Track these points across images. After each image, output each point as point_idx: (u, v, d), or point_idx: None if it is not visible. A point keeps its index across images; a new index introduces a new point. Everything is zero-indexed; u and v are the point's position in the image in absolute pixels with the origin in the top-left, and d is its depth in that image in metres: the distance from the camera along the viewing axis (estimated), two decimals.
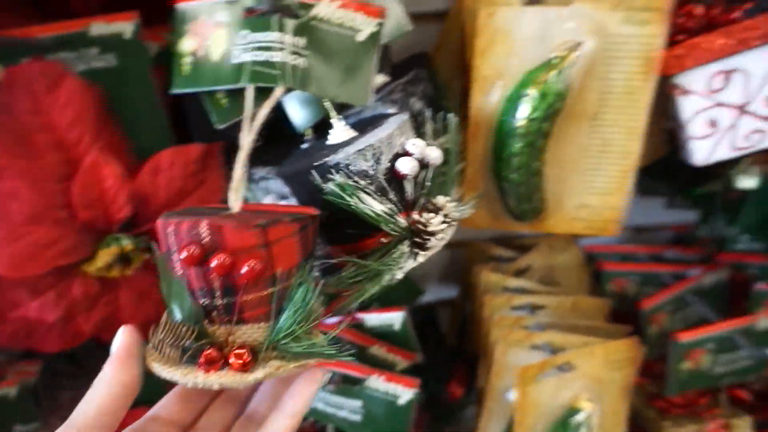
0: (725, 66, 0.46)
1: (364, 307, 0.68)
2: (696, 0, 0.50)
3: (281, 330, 0.33)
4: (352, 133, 0.43)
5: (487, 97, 0.48)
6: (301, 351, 0.32)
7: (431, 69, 0.52)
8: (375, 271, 0.37)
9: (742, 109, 0.47)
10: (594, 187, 0.50)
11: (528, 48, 0.46)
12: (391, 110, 0.48)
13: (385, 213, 0.37)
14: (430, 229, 0.38)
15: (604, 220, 0.52)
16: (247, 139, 0.38)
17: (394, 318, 0.62)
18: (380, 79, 0.51)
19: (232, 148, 0.51)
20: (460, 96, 0.52)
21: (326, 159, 0.37)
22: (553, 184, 0.51)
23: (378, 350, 0.62)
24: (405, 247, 0.38)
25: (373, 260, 0.38)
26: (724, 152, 0.48)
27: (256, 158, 0.51)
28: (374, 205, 0.36)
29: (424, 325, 0.85)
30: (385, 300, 0.68)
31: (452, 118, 0.43)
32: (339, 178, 0.37)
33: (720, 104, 0.47)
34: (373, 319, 0.63)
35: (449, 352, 0.80)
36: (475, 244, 0.79)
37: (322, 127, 0.48)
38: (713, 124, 0.48)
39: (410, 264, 0.38)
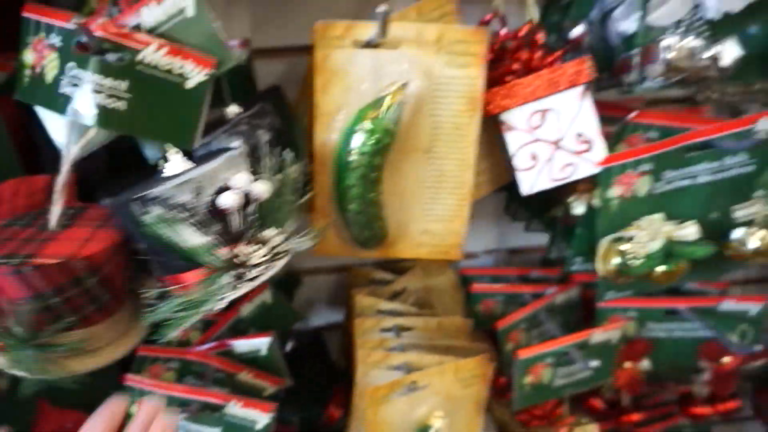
0: (541, 106, 0.52)
1: (240, 332, 0.69)
2: (524, 46, 0.56)
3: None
4: (189, 165, 0.44)
5: (329, 132, 0.51)
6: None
7: (282, 101, 0.55)
8: (195, 302, 0.39)
9: (556, 144, 0.52)
10: (435, 214, 0.54)
11: (363, 86, 0.49)
12: (236, 142, 0.50)
13: (204, 245, 0.38)
14: (251, 262, 0.40)
15: (447, 244, 0.55)
16: (63, 170, 0.39)
17: (261, 344, 0.63)
18: (234, 109, 0.53)
19: (84, 180, 0.52)
20: (308, 129, 0.54)
21: (146, 192, 0.39)
22: (398, 212, 0.54)
23: (246, 376, 0.63)
24: (226, 279, 0.39)
25: (195, 290, 0.39)
26: (544, 183, 0.53)
27: (106, 188, 0.52)
28: (192, 238, 0.38)
29: (312, 348, 0.86)
30: (263, 325, 0.70)
31: (288, 154, 0.45)
32: (157, 210, 0.38)
33: (538, 140, 0.52)
34: (241, 345, 0.64)
35: (331, 374, 0.81)
36: (357, 268, 0.82)
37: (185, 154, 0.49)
38: (534, 157, 0.53)
39: (231, 295, 0.40)
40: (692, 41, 0.47)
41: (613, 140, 0.55)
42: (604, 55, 0.56)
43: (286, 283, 0.82)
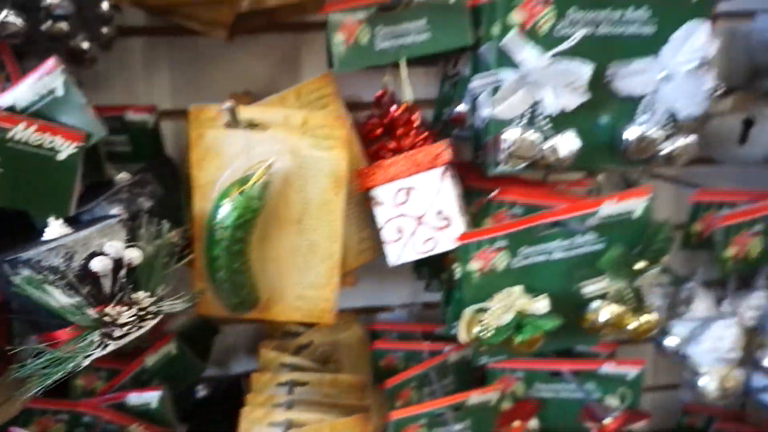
0: (405, 184, 0.56)
1: (144, 383, 0.71)
2: (401, 125, 0.60)
3: None
4: (68, 231, 0.48)
5: (206, 202, 0.54)
6: None
7: (169, 170, 0.59)
8: (62, 359, 0.42)
9: (419, 220, 0.56)
10: (308, 281, 0.57)
11: (237, 163, 0.53)
12: (116, 209, 0.53)
13: (72, 306, 0.42)
14: (119, 321, 0.43)
15: (320, 309, 0.59)
16: None
17: (151, 397, 0.65)
18: (125, 176, 0.57)
19: None
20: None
21: (18, 254, 0.42)
22: (274, 279, 0.57)
23: (136, 429, 0.65)
24: (94, 337, 0.42)
25: (65, 348, 0.42)
26: (410, 255, 0.57)
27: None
28: (60, 299, 0.41)
29: (230, 394, 0.88)
30: (167, 376, 0.72)
31: (164, 225, 0.49)
32: (26, 272, 0.41)
33: (403, 215, 0.56)
34: (133, 398, 0.66)
35: None
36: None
37: (70, 219, 0.53)
38: (400, 230, 0.57)
39: (99, 353, 0.43)
40: (532, 134, 0.51)
41: (479, 217, 0.59)
42: (477, 134, 0.60)
43: (203, 331, 0.84)
